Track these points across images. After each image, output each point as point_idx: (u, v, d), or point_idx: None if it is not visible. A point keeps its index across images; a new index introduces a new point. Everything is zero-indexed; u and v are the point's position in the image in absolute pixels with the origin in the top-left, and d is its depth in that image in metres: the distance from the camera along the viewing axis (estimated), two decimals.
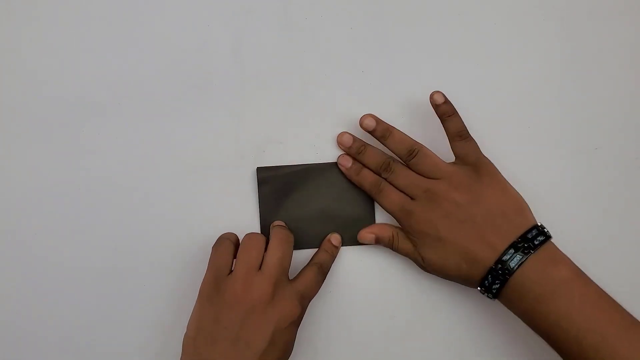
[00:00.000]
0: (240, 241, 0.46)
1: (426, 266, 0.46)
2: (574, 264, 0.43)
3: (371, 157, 0.48)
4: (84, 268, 0.50)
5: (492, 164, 0.46)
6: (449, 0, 0.51)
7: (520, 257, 0.42)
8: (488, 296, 0.43)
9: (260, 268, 0.44)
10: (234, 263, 0.44)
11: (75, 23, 0.51)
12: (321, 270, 0.47)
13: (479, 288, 0.44)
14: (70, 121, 0.50)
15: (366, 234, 0.48)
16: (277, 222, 0.49)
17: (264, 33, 0.50)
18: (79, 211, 0.50)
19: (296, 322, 0.44)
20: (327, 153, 0.50)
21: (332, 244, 0.49)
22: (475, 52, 0.51)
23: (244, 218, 0.50)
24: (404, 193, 0.47)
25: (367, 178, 0.48)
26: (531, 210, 0.45)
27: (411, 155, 0.46)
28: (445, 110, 0.46)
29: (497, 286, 0.42)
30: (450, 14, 0.51)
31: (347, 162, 0.49)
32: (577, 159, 0.50)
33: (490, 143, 0.50)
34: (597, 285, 0.42)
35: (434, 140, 0.50)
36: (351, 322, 0.50)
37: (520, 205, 0.45)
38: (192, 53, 0.50)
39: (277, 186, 0.49)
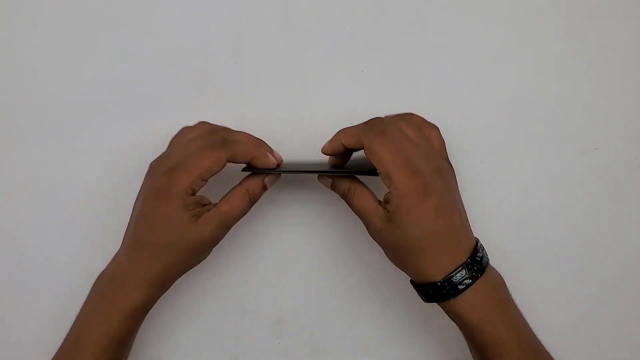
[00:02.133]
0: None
1: (385, 228, 0.40)
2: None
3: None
4: (84, 268, 0.50)
5: None
6: (449, 0, 0.51)
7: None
8: (444, 295, 0.39)
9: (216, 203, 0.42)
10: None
11: (75, 23, 0.50)
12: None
13: (439, 282, 0.39)
14: (70, 121, 0.50)
15: (324, 176, 0.44)
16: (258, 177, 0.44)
17: (264, 33, 0.50)
18: (79, 211, 0.50)
19: (161, 194, 0.40)
20: None
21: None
22: (475, 51, 0.51)
23: (244, 217, 0.50)
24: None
25: (349, 128, 0.42)
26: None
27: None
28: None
29: (468, 281, 0.39)
30: (450, 13, 0.51)
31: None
32: (577, 159, 0.50)
33: (490, 143, 0.50)
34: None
35: None
36: (351, 322, 0.50)
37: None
38: (192, 53, 0.50)
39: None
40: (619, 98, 0.50)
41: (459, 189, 0.43)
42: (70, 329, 0.43)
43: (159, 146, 0.50)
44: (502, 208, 0.50)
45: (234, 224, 0.43)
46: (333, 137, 0.43)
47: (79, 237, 0.50)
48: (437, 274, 0.39)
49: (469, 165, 0.50)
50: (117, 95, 0.50)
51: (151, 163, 0.44)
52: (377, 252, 0.50)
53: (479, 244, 0.41)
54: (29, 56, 0.50)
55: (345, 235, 0.50)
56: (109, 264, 0.43)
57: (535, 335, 0.42)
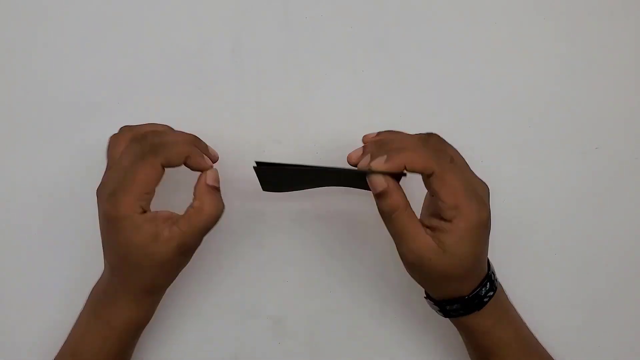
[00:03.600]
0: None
1: (435, 258, 0.37)
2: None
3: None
4: (84, 268, 0.50)
5: None
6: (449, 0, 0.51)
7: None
8: (471, 308, 0.40)
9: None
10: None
11: (75, 23, 0.51)
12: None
13: (467, 296, 0.39)
14: (70, 121, 0.50)
15: (380, 176, 0.37)
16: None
17: (264, 33, 0.50)
18: (79, 211, 0.50)
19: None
20: (327, 153, 0.50)
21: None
22: (475, 51, 0.51)
23: (244, 216, 0.50)
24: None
25: (426, 141, 0.39)
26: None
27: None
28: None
29: (490, 293, 0.39)
30: (451, 13, 0.51)
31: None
32: (577, 159, 0.50)
33: (490, 143, 0.50)
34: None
35: None
36: (351, 321, 0.50)
37: None
38: (192, 53, 0.50)
39: (277, 182, 0.45)
40: (619, 98, 0.50)
41: None
42: (65, 342, 0.43)
43: None
44: (502, 208, 0.50)
45: (200, 240, 0.40)
46: (392, 156, 0.37)
47: (78, 237, 0.50)
48: (465, 290, 0.39)
49: (469, 165, 0.50)
50: (117, 95, 0.50)
51: (97, 190, 0.40)
52: (377, 252, 0.50)
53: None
54: (29, 56, 0.50)
55: (345, 235, 0.50)
56: (100, 278, 0.43)
57: (532, 333, 0.43)
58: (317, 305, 0.50)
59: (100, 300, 0.42)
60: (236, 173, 0.50)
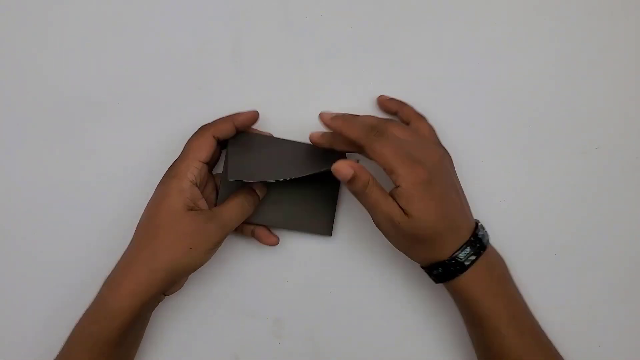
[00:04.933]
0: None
1: (403, 222, 0.41)
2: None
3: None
4: (84, 268, 0.50)
5: None
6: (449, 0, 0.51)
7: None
8: (452, 272, 0.42)
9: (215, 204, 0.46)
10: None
11: (76, 23, 0.51)
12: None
13: (446, 260, 0.42)
14: (70, 121, 0.50)
15: (345, 165, 0.42)
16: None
17: (264, 33, 0.50)
18: (79, 211, 0.50)
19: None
20: None
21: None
22: (475, 51, 0.51)
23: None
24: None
25: (362, 120, 0.44)
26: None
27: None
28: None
29: (472, 257, 0.42)
30: (450, 13, 0.51)
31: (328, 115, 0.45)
32: (577, 159, 0.50)
33: (490, 143, 0.50)
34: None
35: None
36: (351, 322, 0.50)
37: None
38: (192, 53, 0.50)
39: (247, 148, 0.48)
40: (619, 98, 0.50)
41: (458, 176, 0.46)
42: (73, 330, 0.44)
43: (160, 145, 0.50)
44: (502, 208, 0.50)
45: (231, 229, 0.45)
46: (328, 133, 0.45)
47: (78, 237, 0.50)
48: (444, 254, 0.42)
49: (469, 165, 0.50)
50: (117, 95, 0.50)
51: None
52: (376, 252, 0.50)
53: (480, 223, 0.44)
54: (30, 56, 0.50)
55: (345, 235, 0.50)
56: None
57: (532, 315, 0.44)
58: (317, 305, 0.50)
59: (104, 285, 0.43)
60: None
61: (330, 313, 0.50)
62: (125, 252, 0.44)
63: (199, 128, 0.46)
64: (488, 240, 0.44)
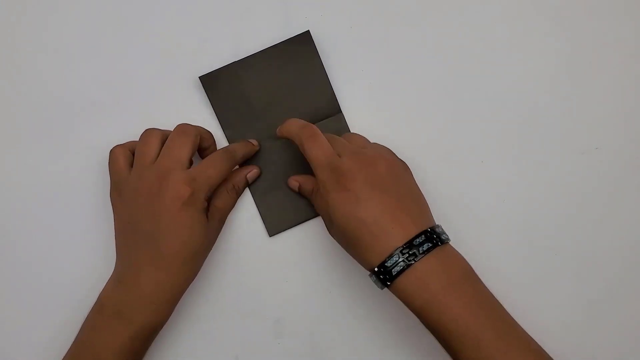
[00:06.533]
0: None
1: (331, 227, 0.43)
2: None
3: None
4: (84, 268, 0.50)
5: None
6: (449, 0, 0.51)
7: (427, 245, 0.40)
8: (383, 281, 0.40)
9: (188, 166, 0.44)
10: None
11: (75, 23, 0.51)
12: (228, 155, 0.46)
13: (376, 268, 0.40)
14: (69, 121, 0.50)
15: (292, 181, 0.49)
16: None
17: (263, 33, 0.50)
18: (78, 210, 0.50)
19: (188, 202, 0.42)
20: None
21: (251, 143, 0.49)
22: (474, 51, 0.51)
23: (244, 217, 0.50)
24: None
25: (294, 121, 0.46)
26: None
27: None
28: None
29: (399, 269, 0.39)
30: (450, 13, 0.51)
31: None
32: (577, 159, 0.50)
33: (490, 143, 0.50)
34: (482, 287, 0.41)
35: (434, 139, 0.50)
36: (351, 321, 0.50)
37: (426, 206, 0.44)
38: (192, 53, 0.50)
39: (227, 86, 0.49)
40: (619, 98, 0.50)
41: (420, 181, 0.44)
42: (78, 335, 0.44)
43: None
44: (502, 208, 0.50)
45: (225, 219, 0.48)
46: (285, 127, 0.46)
47: (78, 237, 0.50)
48: (374, 261, 0.40)
49: (469, 165, 0.50)
50: (116, 94, 0.50)
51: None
52: None
53: (429, 229, 0.40)
54: (28, 55, 0.50)
55: None
56: (107, 283, 0.45)
57: (509, 318, 0.41)
58: (317, 305, 0.50)
59: (117, 304, 0.43)
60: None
61: (330, 313, 0.50)
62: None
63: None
64: (433, 247, 0.40)
